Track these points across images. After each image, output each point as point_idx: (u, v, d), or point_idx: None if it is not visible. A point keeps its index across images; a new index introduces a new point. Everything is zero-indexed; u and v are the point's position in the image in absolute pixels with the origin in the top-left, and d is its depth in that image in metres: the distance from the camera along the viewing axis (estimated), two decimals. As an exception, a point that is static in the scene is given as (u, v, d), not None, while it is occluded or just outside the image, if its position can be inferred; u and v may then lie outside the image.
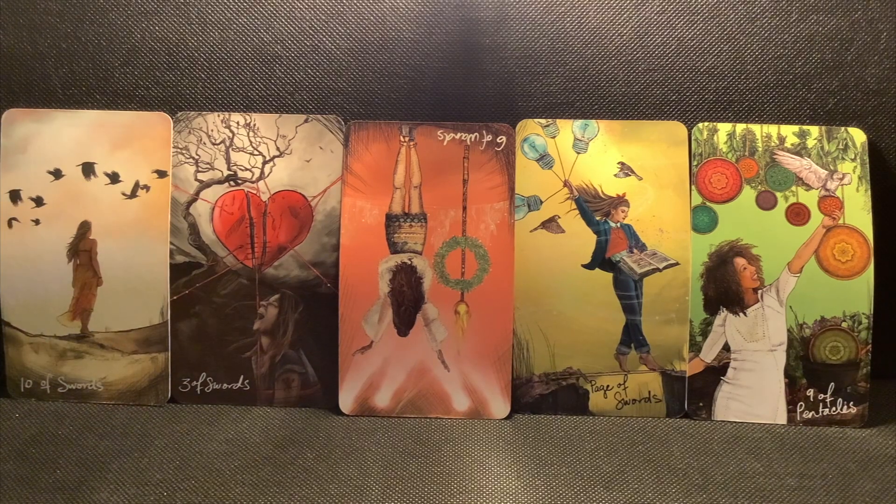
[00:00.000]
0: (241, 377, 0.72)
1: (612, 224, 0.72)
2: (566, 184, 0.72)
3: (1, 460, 0.62)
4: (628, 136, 0.72)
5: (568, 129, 0.72)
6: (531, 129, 0.72)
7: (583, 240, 0.72)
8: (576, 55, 0.74)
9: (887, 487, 0.60)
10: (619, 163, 0.72)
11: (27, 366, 0.72)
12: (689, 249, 0.71)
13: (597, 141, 0.72)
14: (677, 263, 0.71)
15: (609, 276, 0.71)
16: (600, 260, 0.71)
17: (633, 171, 0.72)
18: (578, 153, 0.72)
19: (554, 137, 0.72)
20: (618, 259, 0.71)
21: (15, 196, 0.72)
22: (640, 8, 0.74)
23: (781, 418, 0.70)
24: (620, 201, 0.72)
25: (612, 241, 0.71)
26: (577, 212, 0.72)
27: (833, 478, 0.62)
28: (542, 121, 0.73)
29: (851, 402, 0.70)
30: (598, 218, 0.72)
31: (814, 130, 0.71)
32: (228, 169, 0.72)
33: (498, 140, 0.72)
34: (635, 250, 0.71)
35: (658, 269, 0.71)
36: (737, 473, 0.62)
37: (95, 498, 0.58)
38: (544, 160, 0.72)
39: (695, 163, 0.71)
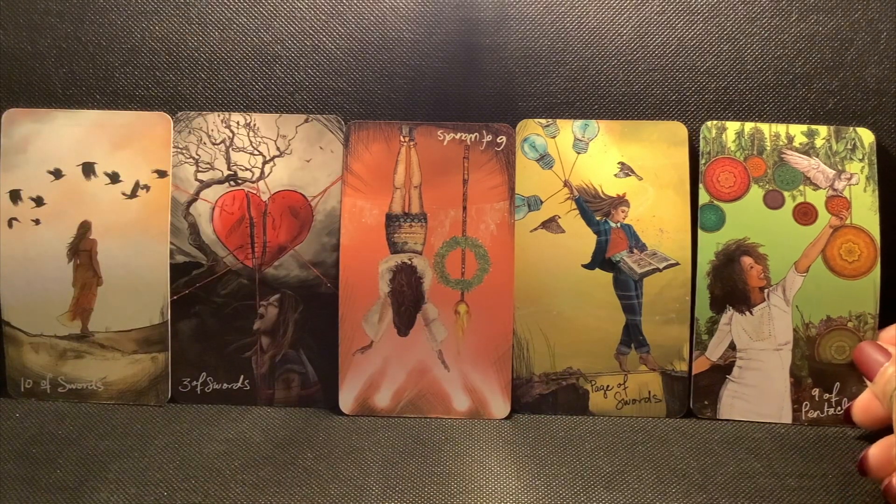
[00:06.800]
0: (241, 377, 0.72)
1: (613, 224, 0.71)
2: (566, 184, 0.72)
3: (1, 460, 0.62)
4: (628, 136, 0.72)
5: (568, 129, 0.72)
6: (531, 129, 0.72)
7: (583, 240, 0.71)
8: (576, 55, 0.74)
9: (888, 487, 0.60)
10: (619, 163, 0.72)
11: (27, 366, 0.72)
12: (689, 249, 0.71)
13: (597, 141, 0.72)
14: (677, 263, 0.71)
15: (609, 276, 0.71)
16: (600, 260, 0.71)
17: (633, 171, 0.72)
18: (578, 153, 0.72)
19: (554, 137, 0.72)
20: (618, 259, 0.71)
21: (15, 196, 0.72)
22: (640, 8, 0.74)
23: (786, 417, 0.70)
24: (620, 201, 0.72)
25: (613, 241, 0.71)
26: (577, 212, 0.72)
27: (833, 478, 0.62)
28: (542, 121, 0.73)
29: (855, 403, 0.70)
30: (598, 218, 0.72)
31: (822, 130, 0.71)
32: (228, 169, 0.72)
33: (498, 140, 0.72)
34: (635, 250, 0.71)
35: (658, 269, 0.71)
36: (737, 473, 0.62)
37: (95, 498, 0.58)
38: (544, 160, 0.72)
39: (703, 161, 0.71)
